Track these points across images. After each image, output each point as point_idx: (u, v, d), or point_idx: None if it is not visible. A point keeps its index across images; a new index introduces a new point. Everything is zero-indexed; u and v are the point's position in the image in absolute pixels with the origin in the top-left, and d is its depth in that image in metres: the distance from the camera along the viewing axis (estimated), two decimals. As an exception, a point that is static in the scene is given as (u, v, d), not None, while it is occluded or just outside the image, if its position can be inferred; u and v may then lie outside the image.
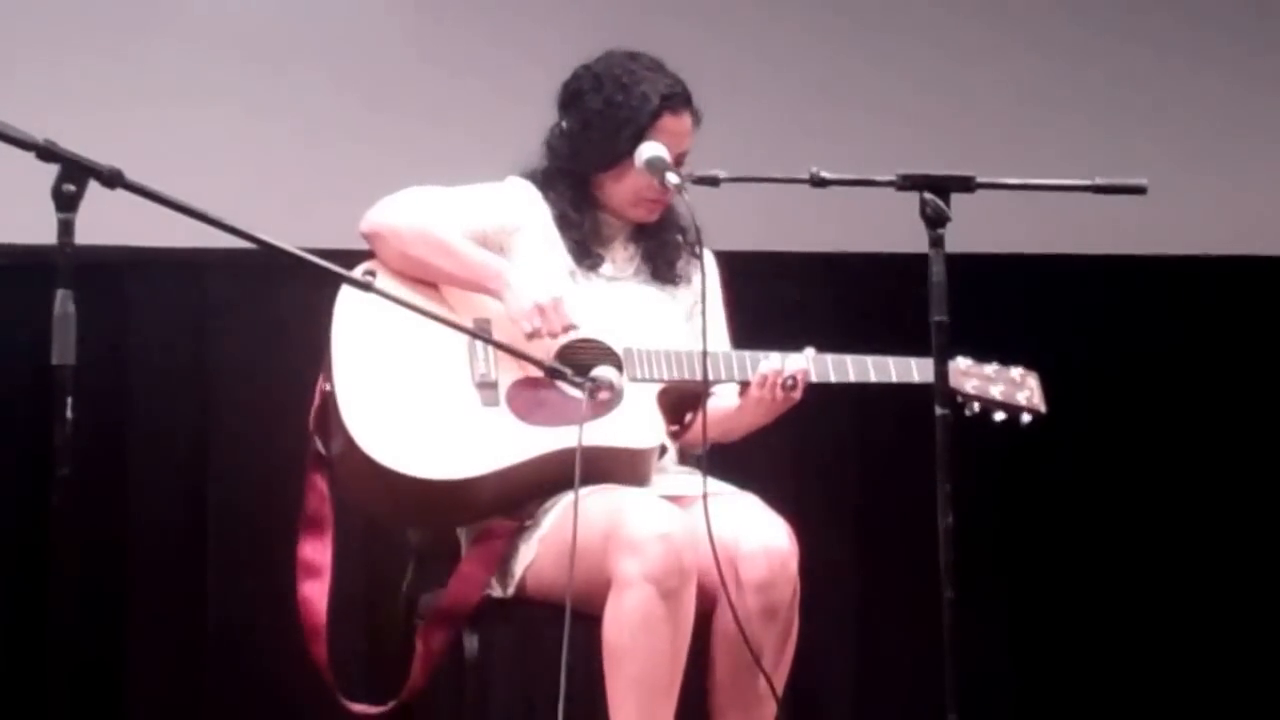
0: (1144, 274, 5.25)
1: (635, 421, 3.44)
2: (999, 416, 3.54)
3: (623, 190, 3.57)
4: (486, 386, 3.45)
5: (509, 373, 3.47)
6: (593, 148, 3.55)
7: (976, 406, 3.52)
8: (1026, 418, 3.55)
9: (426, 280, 3.53)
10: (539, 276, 3.47)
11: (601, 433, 3.35)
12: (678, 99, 3.54)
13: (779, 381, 3.43)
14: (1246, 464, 5.35)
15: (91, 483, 2.92)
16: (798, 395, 3.47)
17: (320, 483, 3.47)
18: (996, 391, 3.52)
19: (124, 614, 4.80)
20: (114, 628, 4.76)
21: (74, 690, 2.72)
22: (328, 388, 3.43)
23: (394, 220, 3.50)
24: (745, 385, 3.53)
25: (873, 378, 3.49)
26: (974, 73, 5.24)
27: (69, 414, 2.62)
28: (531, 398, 3.45)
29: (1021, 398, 3.54)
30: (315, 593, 3.45)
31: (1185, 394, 5.33)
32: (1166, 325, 5.28)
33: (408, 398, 3.43)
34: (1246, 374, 5.36)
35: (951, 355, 3.37)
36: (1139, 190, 3.21)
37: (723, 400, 3.58)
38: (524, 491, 3.42)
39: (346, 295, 3.48)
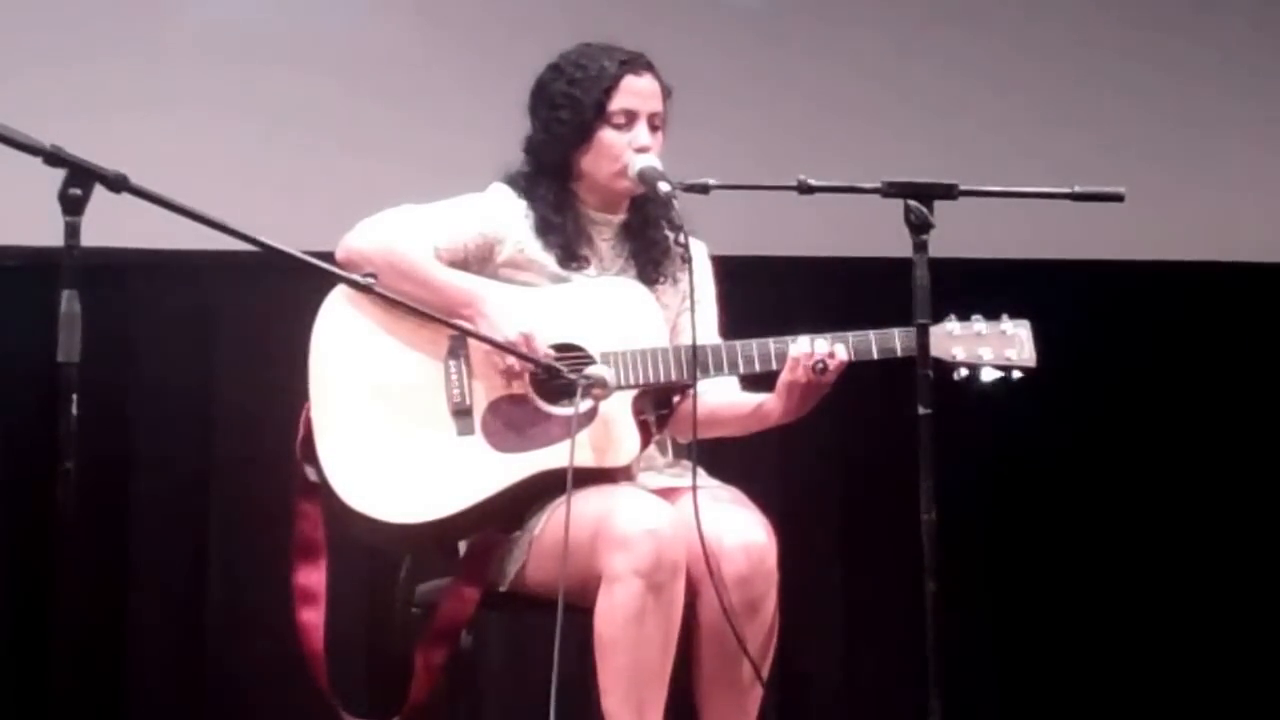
0: (1125, 279, 5.31)
1: (608, 438, 3.46)
2: (988, 377, 3.50)
3: (601, 161, 3.57)
4: (462, 414, 3.47)
5: (484, 396, 3.49)
6: (564, 126, 3.56)
7: (964, 371, 3.49)
8: (1018, 374, 3.52)
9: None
10: (512, 307, 3.47)
11: (578, 453, 3.37)
12: (637, 61, 3.59)
13: (810, 365, 3.44)
14: (1227, 463, 5.41)
15: (95, 477, 2.96)
16: (830, 379, 3.46)
17: (311, 509, 3.50)
18: (985, 353, 3.50)
19: (126, 607, 4.85)
20: (116, 621, 4.81)
21: (76, 691, 2.77)
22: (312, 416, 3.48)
23: (365, 247, 3.48)
24: (743, 379, 3.59)
25: (852, 355, 3.48)
26: (959, 82, 5.29)
27: (74, 410, 2.68)
28: (507, 422, 3.47)
29: (1011, 354, 3.51)
30: (313, 619, 3.49)
31: (1166, 396, 5.38)
32: (1148, 329, 5.33)
33: (383, 434, 3.45)
34: (1226, 377, 5.41)
35: (940, 317, 3.41)
36: (1117, 198, 3.28)
37: (725, 396, 3.62)
38: (507, 512, 3.46)
39: (324, 318, 3.51)
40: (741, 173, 3.41)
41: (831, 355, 3.45)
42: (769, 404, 3.55)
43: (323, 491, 3.46)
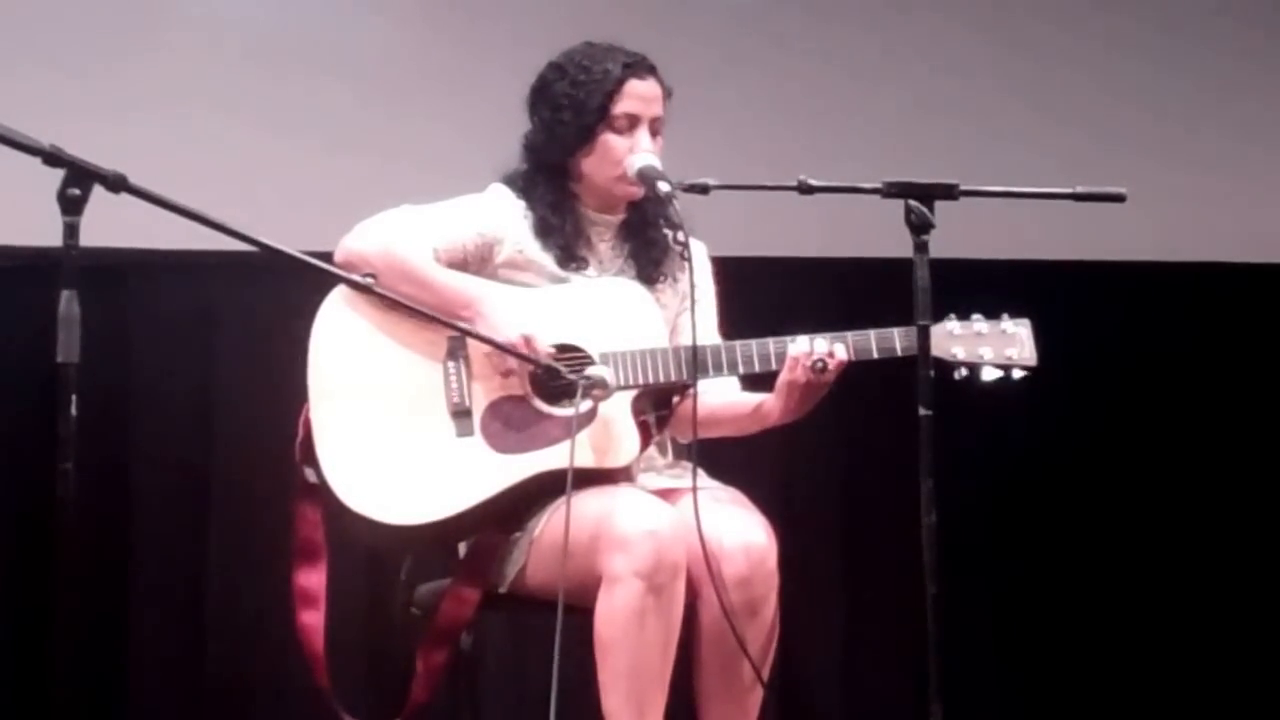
0: (1125, 279, 5.32)
1: (608, 439, 3.46)
2: (989, 376, 3.50)
3: (602, 164, 3.56)
4: (461, 415, 3.47)
5: (484, 397, 3.48)
6: (566, 128, 3.56)
7: (965, 371, 3.49)
8: (1019, 374, 3.51)
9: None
10: (511, 307, 3.47)
11: (578, 454, 3.36)
12: (640, 65, 3.58)
13: (810, 364, 3.44)
14: (1228, 463, 5.42)
15: (95, 477, 2.97)
16: (830, 378, 3.46)
17: (310, 511, 3.50)
18: (986, 352, 3.49)
19: (126, 608, 4.85)
20: (116, 621, 4.81)
21: (76, 691, 2.77)
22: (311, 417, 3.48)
23: (364, 248, 3.47)
24: (743, 379, 3.59)
25: (852, 355, 3.48)
26: (959, 82, 5.29)
27: (73, 410, 2.68)
28: (507, 423, 3.46)
29: (1011, 354, 3.50)
30: (313, 621, 3.49)
31: (1167, 396, 5.39)
32: (1148, 329, 5.34)
33: (382, 436, 3.44)
34: (1226, 378, 5.42)
35: (941, 317, 3.41)
36: (1118, 198, 3.28)
37: (725, 396, 3.61)
38: (507, 512, 3.46)
39: (323, 319, 3.51)
40: (741, 173, 3.41)
41: (831, 355, 3.45)
42: (768, 404, 3.55)
43: (322, 493, 3.46)
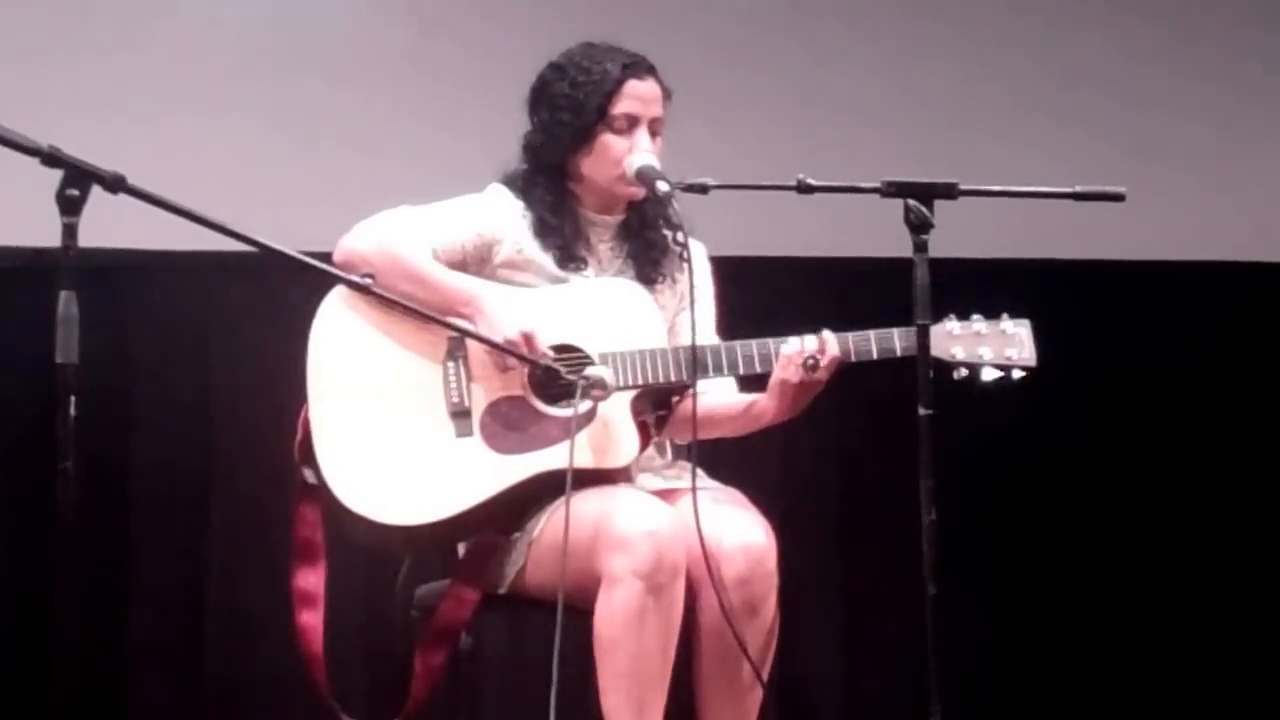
0: (1125, 279, 5.32)
1: (607, 439, 3.45)
2: (988, 376, 3.49)
3: (601, 165, 3.56)
4: (460, 415, 3.46)
5: (483, 397, 3.48)
6: (564, 128, 3.56)
7: (964, 371, 3.48)
8: (1018, 374, 3.50)
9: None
10: (512, 305, 3.47)
11: (577, 454, 3.37)
12: (640, 65, 3.58)
13: (802, 362, 3.43)
14: (1227, 463, 5.42)
15: (94, 478, 2.97)
16: (822, 376, 3.45)
17: (309, 512, 3.50)
18: (985, 353, 3.48)
19: (125, 608, 4.85)
20: (115, 622, 4.81)
21: (75, 691, 2.77)
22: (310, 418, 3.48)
23: (363, 248, 3.48)
24: (741, 380, 3.59)
25: (852, 356, 3.48)
26: (959, 82, 5.30)
27: (72, 411, 2.68)
28: (506, 424, 3.46)
29: (1011, 354, 3.49)
30: (312, 621, 3.49)
31: (1166, 396, 5.39)
32: (1148, 329, 5.34)
33: (381, 436, 3.44)
34: (1226, 377, 5.42)
35: (940, 316, 3.40)
36: (1118, 198, 3.28)
37: (721, 396, 3.61)
38: (506, 514, 3.46)
39: (321, 319, 3.51)
40: (741, 173, 3.41)
41: (822, 351, 3.45)
42: (762, 403, 3.55)
43: (321, 493, 3.46)
